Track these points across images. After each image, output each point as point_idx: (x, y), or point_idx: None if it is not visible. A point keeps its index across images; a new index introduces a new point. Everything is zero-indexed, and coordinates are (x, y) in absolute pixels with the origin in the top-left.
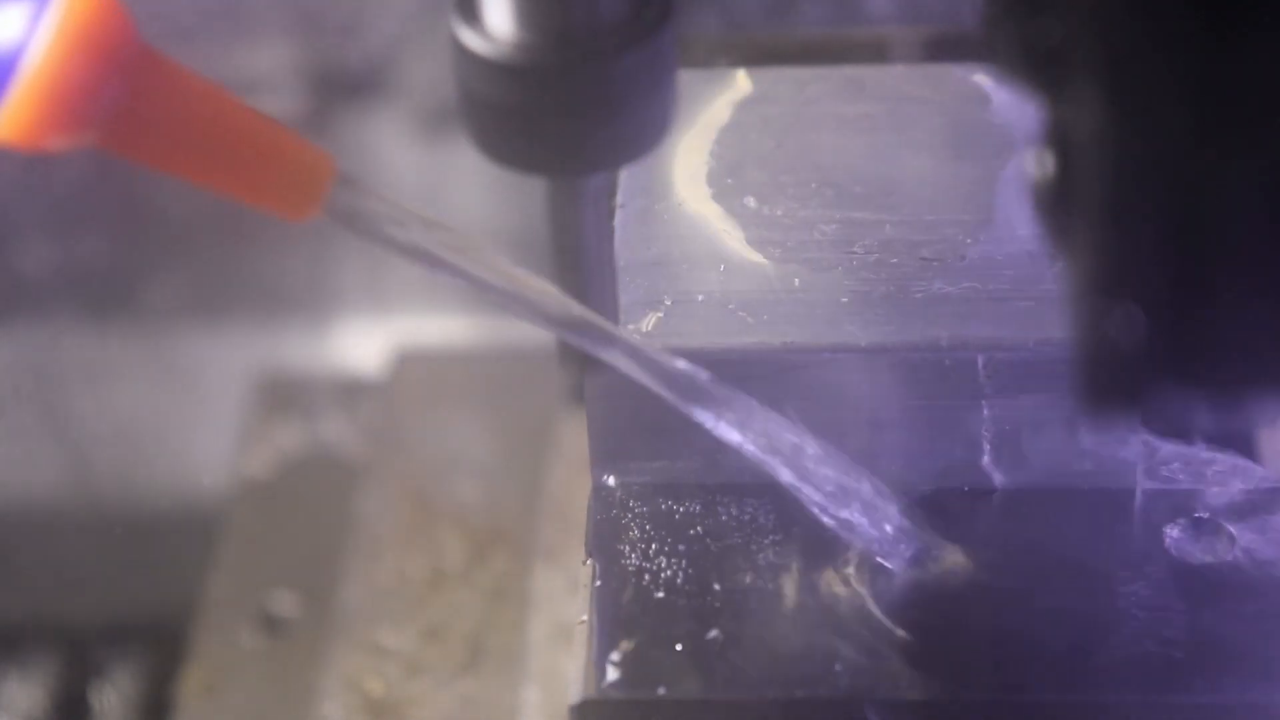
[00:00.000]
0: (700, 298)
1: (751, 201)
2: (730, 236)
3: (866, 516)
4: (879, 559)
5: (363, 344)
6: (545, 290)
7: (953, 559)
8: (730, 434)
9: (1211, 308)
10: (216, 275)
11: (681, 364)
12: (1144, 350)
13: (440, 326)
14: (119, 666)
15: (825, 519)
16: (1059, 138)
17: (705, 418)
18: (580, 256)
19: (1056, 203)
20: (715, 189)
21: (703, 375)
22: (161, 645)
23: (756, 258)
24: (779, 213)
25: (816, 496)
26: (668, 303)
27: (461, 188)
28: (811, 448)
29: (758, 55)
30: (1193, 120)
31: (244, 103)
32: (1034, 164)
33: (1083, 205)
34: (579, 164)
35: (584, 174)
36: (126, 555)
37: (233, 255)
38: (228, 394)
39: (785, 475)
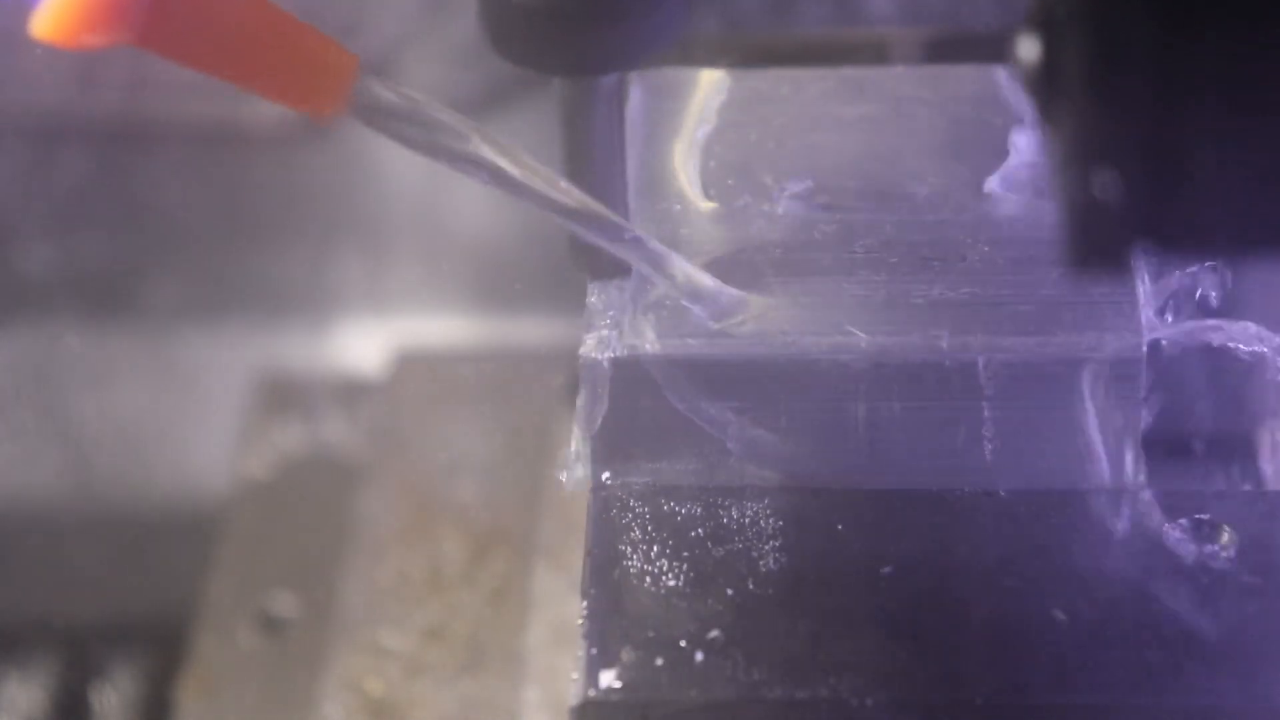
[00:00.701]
0: (701, 299)
1: (751, 201)
2: (730, 237)
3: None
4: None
5: (362, 344)
6: (559, 183)
7: (759, 308)
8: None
9: (1185, 173)
10: (216, 275)
11: (687, 264)
12: (1122, 214)
13: (440, 327)
14: (119, 667)
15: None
16: (1044, 20)
17: (705, 315)
18: (592, 155)
19: (1042, 82)
20: (715, 189)
21: (707, 278)
22: (161, 645)
23: (756, 259)
24: (779, 212)
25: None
26: (667, 303)
27: (461, 189)
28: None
29: (758, 55)
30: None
31: (272, 2)
32: (1022, 47)
33: (1065, 83)
34: (593, 63)
35: (597, 74)
36: (126, 555)
37: (233, 255)
38: (228, 394)
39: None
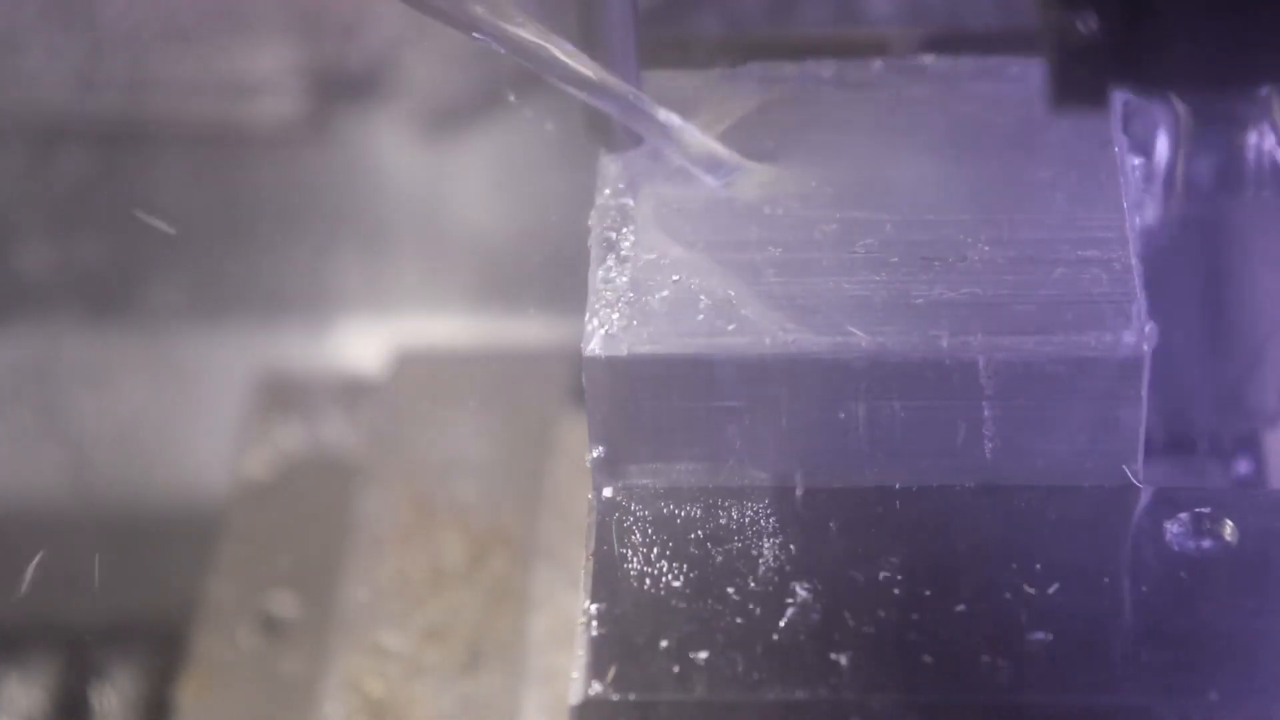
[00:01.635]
0: (701, 298)
1: (752, 201)
2: (730, 236)
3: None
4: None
5: (362, 344)
6: (576, 54)
7: (768, 176)
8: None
9: (1156, 14)
10: (216, 275)
11: (699, 133)
12: (1103, 49)
13: (440, 327)
14: (119, 667)
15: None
16: None
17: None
18: (606, 31)
19: None
20: (716, 190)
21: (718, 146)
22: (162, 645)
23: (757, 257)
24: (780, 212)
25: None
26: (673, 302)
27: (461, 188)
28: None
29: (757, 55)
30: None
31: None
32: None
33: None
34: None
35: None
36: (126, 555)
37: (232, 255)
38: (228, 394)
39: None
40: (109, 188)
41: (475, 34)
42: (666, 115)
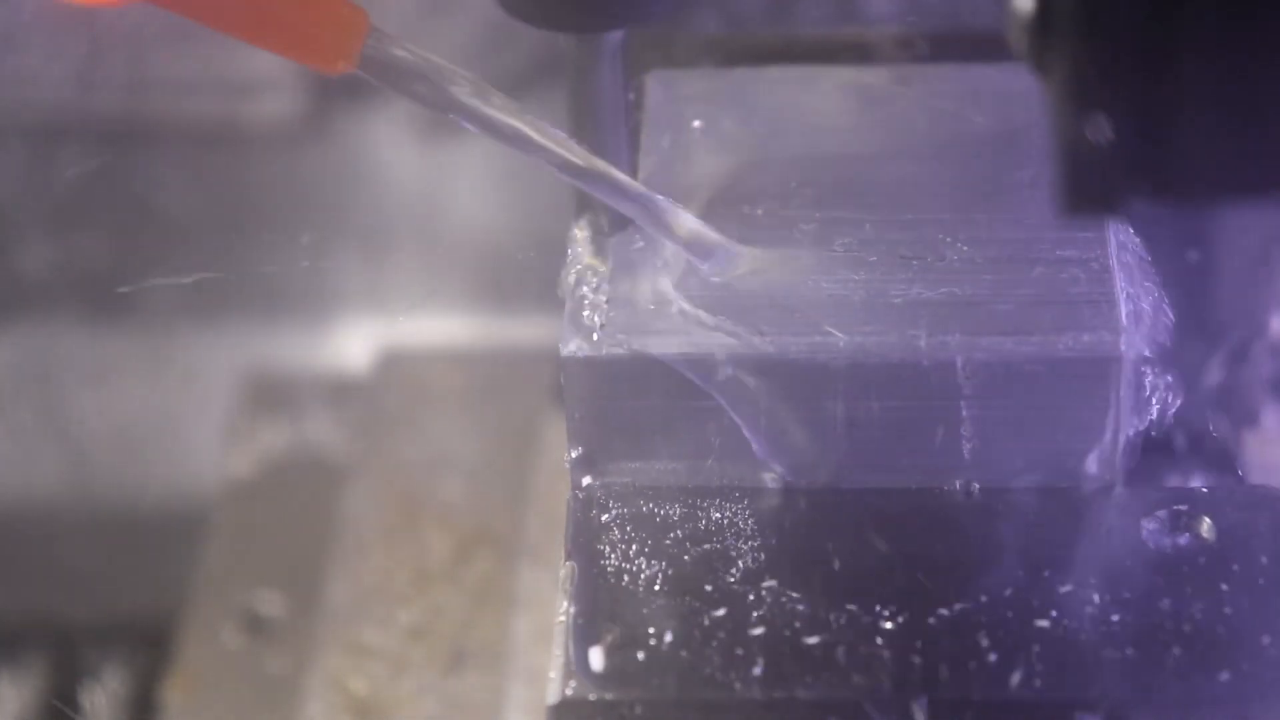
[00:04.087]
0: (679, 297)
1: (733, 200)
2: (710, 236)
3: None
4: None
5: (357, 344)
6: (567, 142)
7: (759, 262)
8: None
9: (1174, 120)
10: (213, 275)
11: (689, 217)
12: (1114, 158)
13: (436, 327)
14: (110, 666)
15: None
16: None
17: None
18: (597, 110)
19: (1037, 31)
20: (696, 189)
21: (708, 229)
22: (153, 644)
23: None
24: (760, 211)
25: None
26: (651, 305)
27: (461, 188)
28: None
29: (757, 55)
30: None
31: None
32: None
33: (1058, 31)
34: (599, 19)
35: (603, 29)
36: (123, 554)
37: (231, 255)
38: (225, 393)
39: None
40: (109, 188)
41: (454, 116)
42: (657, 201)
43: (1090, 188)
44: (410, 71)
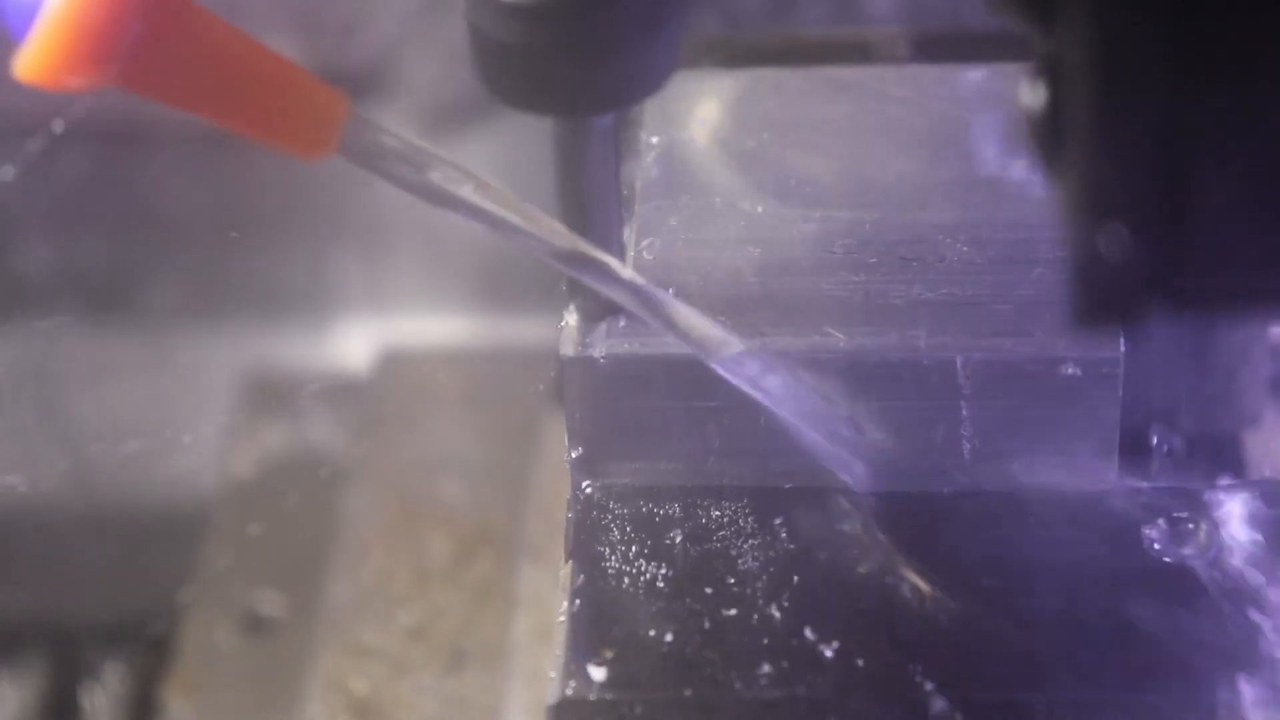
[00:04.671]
0: (678, 297)
1: (731, 200)
2: (709, 237)
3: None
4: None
5: (358, 344)
6: (554, 227)
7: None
8: (723, 373)
9: (1195, 228)
10: (215, 275)
11: (682, 305)
12: (1131, 267)
13: (434, 327)
14: (115, 666)
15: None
16: (1051, 67)
17: (701, 356)
18: (586, 196)
19: (1048, 130)
20: (694, 189)
21: (706, 321)
22: (158, 644)
23: (735, 258)
24: (759, 210)
25: (806, 426)
26: None
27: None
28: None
29: (755, 56)
30: (1176, 49)
31: (260, 43)
32: (1027, 93)
33: (1072, 131)
34: (586, 104)
35: (590, 114)
36: (125, 554)
37: (231, 255)
38: (225, 394)
39: (778, 410)
40: (109, 188)
41: (434, 203)
42: (652, 291)
43: (1106, 299)
44: (391, 156)
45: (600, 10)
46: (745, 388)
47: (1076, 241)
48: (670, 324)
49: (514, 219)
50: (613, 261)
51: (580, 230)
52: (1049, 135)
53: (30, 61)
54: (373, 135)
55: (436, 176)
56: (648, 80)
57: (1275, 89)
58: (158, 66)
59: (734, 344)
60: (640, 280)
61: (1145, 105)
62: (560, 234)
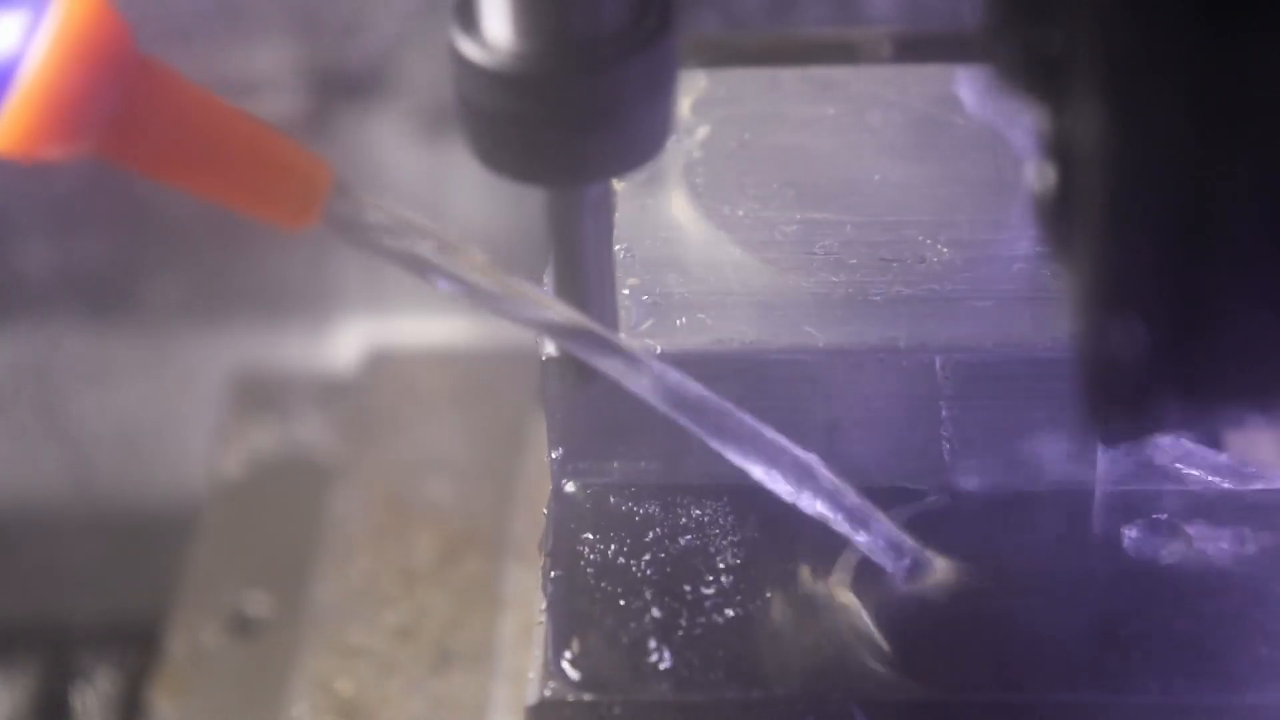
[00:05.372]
0: (660, 299)
1: (713, 202)
2: (691, 237)
3: (863, 530)
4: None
5: (353, 345)
6: (542, 298)
7: (944, 573)
8: (724, 450)
9: (1214, 321)
10: (214, 276)
11: (677, 376)
12: (1147, 364)
13: (432, 328)
14: (107, 666)
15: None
16: (1060, 148)
17: (698, 431)
18: (580, 265)
19: (1058, 214)
20: (678, 190)
21: (698, 389)
22: (148, 645)
23: (717, 258)
24: (740, 213)
25: (820, 509)
26: (627, 304)
27: (461, 188)
28: (811, 466)
29: (739, 56)
30: (1194, 131)
31: (241, 111)
32: (1036, 176)
33: (1084, 217)
34: (578, 173)
35: (583, 183)
36: (121, 554)
37: (230, 256)
38: (218, 395)
39: (785, 491)
40: (109, 188)
41: (417, 274)
42: (647, 361)
43: (1119, 396)
44: (375, 227)
45: (593, 80)
46: (706, 346)
47: (1087, 333)
48: (665, 394)
49: (500, 292)
50: (607, 333)
51: (573, 300)
52: (1058, 220)
53: (2, 133)
54: (355, 207)
55: (425, 250)
56: (641, 149)
57: None
58: (136, 137)
59: (745, 422)
60: (634, 350)
61: (1163, 189)
62: (551, 305)
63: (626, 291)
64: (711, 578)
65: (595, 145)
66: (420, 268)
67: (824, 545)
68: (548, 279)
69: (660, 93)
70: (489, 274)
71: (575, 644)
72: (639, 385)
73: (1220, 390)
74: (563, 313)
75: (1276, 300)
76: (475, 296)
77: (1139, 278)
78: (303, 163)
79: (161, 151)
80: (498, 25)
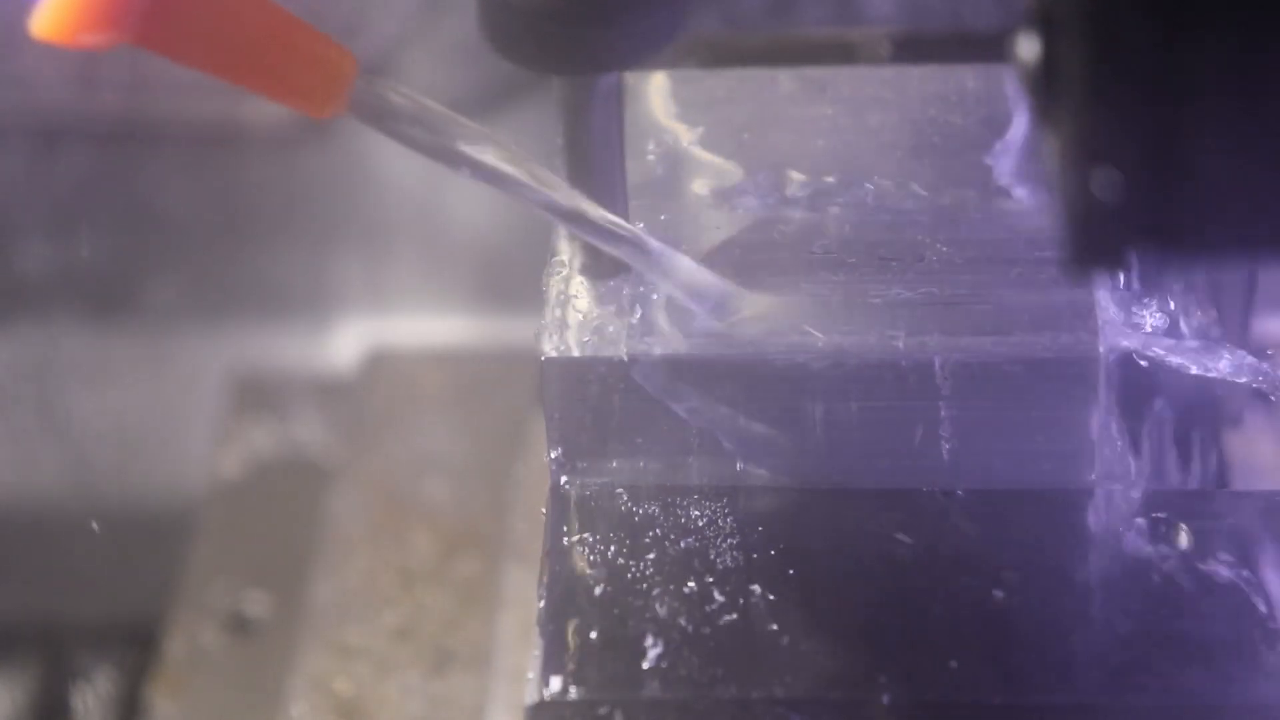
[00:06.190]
0: (658, 298)
1: (712, 201)
2: (691, 234)
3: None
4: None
5: (355, 345)
6: (561, 185)
7: (761, 305)
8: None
9: (1185, 170)
10: (215, 276)
11: (685, 260)
12: (1123, 211)
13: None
14: (107, 666)
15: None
16: (1043, 19)
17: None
18: (590, 155)
19: (1042, 81)
20: (677, 189)
21: (709, 275)
22: (148, 645)
23: (716, 256)
24: (739, 213)
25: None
26: (630, 305)
27: (462, 188)
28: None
29: (739, 56)
30: None
31: (271, 1)
32: (1021, 47)
33: (1065, 79)
34: (590, 63)
35: (595, 73)
36: (121, 554)
37: (231, 256)
38: (217, 395)
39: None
40: (109, 188)
41: (443, 161)
42: (656, 246)
43: (1098, 243)
44: (400, 115)
45: None
46: (704, 347)
47: (1069, 186)
48: (673, 278)
49: (521, 176)
50: (618, 219)
51: (585, 189)
52: (1043, 86)
53: (47, 19)
54: (382, 94)
55: (446, 135)
56: (652, 40)
57: (1263, 33)
58: (171, 24)
59: (740, 298)
60: (644, 236)
61: (1136, 50)
62: (568, 193)
63: (623, 294)
64: (711, 579)
65: (607, 35)
66: (445, 155)
67: (820, 547)
68: (547, 281)
69: None
70: (511, 160)
71: (574, 644)
72: (649, 269)
73: (1191, 233)
74: (577, 199)
75: (1242, 150)
76: (498, 182)
77: (1114, 132)
78: (330, 52)
79: (194, 39)
80: None
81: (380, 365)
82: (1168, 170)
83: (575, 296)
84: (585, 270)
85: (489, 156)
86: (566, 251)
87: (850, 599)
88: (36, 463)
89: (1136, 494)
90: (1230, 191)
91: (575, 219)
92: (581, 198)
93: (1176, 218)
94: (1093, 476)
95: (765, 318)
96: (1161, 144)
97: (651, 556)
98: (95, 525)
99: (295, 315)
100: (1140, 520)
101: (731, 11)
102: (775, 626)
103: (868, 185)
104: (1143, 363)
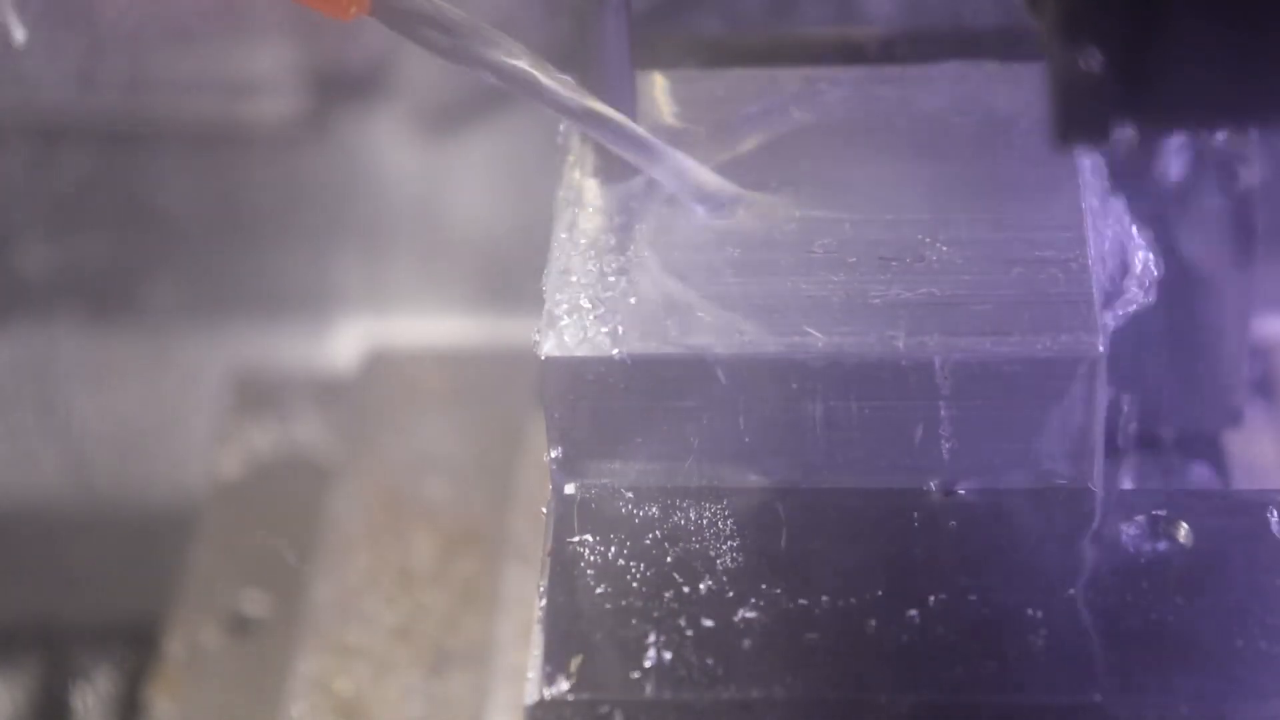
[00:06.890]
0: (658, 298)
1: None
2: (690, 235)
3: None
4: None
5: (354, 345)
6: (576, 87)
7: (759, 204)
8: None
9: (1160, 46)
10: (215, 275)
11: (690, 161)
12: (1104, 84)
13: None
14: (107, 666)
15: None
16: None
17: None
18: (602, 64)
19: None
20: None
21: (711, 175)
22: (148, 644)
23: (715, 258)
24: (740, 212)
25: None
26: (630, 305)
27: (461, 188)
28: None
29: (737, 56)
30: None
31: None
32: None
33: None
34: None
35: None
36: (121, 554)
37: (230, 255)
38: (217, 395)
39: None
40: (109, 188)
41: (464, 63)
42: (662, 147)
43: (1083, 117)
44: (422, 18)
45: None
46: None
47: (1055, 64)
48: (679, 178)
49: (539, 78)
50: (625, 119)
51: (595, 92)
52: None
53: None
54: None
55: (467, 38)
56: None
57: None
58: None
59: (738, 197)
60: (649, 136)
61: None
62: (581, 95)
63: (622, 294)
64: (710, 579)
65: None
66: (464, 58)
67: (820, 547)
68: (547, 278)
69: None
70: (528, 63)
71: (574, 644)
72: (655, 170)
73: (1167, 104)
74: (590, 101)
75: (1213, 27)
76: (515, 84)
77: (1094, 11)
78: None
79: None
80: None
81: (380, 365)
82: (1147, 46)
83: (576, 296)
84: (597, 172)
85: (509, 60)
86: (578, 152)
87: (850, 599)
88: (36, 463)
89: (1136, 493)
90: (1209, 63)
91: (589, 119)
92: (595, 100)
93: (1158, 90)
94: (1092, 476)
95: (766, 216)
96: (1141, 21)
97: (652, 556)
98: (96, 528)
99: (295, 315)
100: (1140, 519)
101: (731, 11)
102: (775, 627)
103: (869, 184)
104: None
